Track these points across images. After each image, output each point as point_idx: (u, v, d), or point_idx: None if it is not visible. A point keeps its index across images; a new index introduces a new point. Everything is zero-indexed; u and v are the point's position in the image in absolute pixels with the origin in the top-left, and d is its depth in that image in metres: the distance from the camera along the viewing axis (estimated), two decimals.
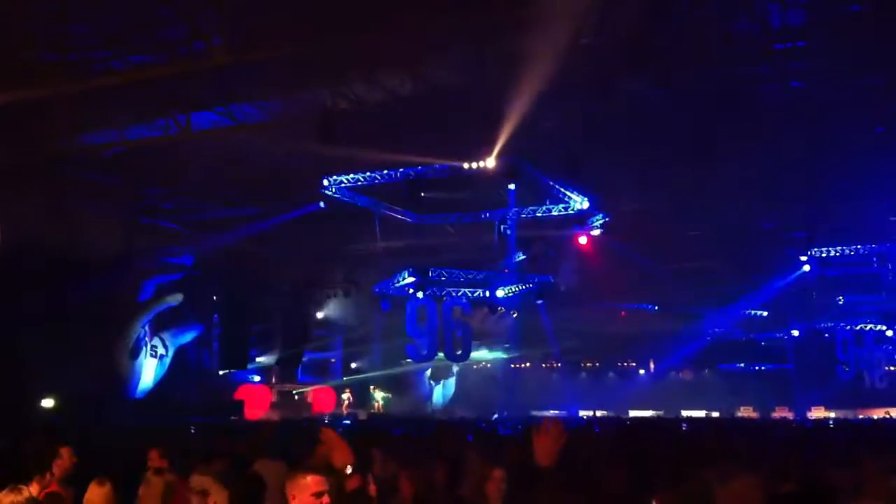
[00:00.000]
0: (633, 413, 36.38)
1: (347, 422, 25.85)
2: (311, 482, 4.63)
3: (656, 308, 35.48)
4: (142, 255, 26.09)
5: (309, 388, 35.63)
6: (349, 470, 4.95)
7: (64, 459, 7.24)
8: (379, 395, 37.28)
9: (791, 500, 6.06)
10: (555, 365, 45.17)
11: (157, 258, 27.20)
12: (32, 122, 16.74)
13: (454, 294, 31.86)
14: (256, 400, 31.91)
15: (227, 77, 15.57)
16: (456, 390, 38.98)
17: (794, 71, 16.30)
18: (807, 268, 29.02)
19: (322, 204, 23.03)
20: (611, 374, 44.80)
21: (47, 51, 14.85)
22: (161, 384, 27.55)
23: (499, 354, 39.60)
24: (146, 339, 27.11)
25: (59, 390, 22.73)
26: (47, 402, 22.51)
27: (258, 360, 32.93)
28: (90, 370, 24.16)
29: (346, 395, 35.95)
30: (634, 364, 44.65)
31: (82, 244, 21.02)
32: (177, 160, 20.06)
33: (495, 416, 32.24)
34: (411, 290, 30.48)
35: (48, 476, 7.01)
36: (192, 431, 15.20)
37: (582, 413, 35.94)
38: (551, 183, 21.94)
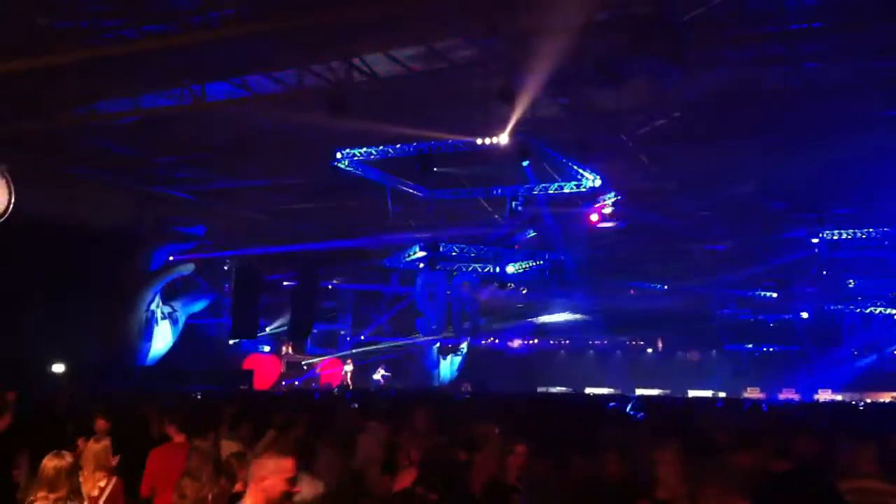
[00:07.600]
0: (638, 391, 36.54)
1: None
2: (287, 465, 4.37)
3: (665, 287, 35.50)
4: (153, 224, 26.26)
5: (317, 360, 35.89)
6: None
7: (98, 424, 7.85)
8: (380, 370, 37.13)
9: (786, 478, 6.17)
10: (563, 342, 45.33)
11: (169, 228, 27.38)
12: (45, 91, 16.82)
13: (464, 269, 32.01)
14: (266, 370, 32.15)
15: (242, 47, 15.58)
16: (464, 366, 38.99)
17: (809, 53, 16.19)
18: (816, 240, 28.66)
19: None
20: (618, 353, 44.89)
21: (60, 18, 14.87)
22: (171, 352, 27.79)
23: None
24: (159, 304, 27.34)
25: (69, 358, 22.96)
26: (57, 368, 22.73)
27: (268, 329, 33.13)
28: (100, 338, 24.44)
29: (347, 368, 36.01)
30: (642, 343, 44.74)
31: (94, 213, 21.16)
32: (190, 130, 20.13)
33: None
34: (422, 265, 30.61)
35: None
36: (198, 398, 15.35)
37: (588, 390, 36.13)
38: (564, 160, 21.91)
